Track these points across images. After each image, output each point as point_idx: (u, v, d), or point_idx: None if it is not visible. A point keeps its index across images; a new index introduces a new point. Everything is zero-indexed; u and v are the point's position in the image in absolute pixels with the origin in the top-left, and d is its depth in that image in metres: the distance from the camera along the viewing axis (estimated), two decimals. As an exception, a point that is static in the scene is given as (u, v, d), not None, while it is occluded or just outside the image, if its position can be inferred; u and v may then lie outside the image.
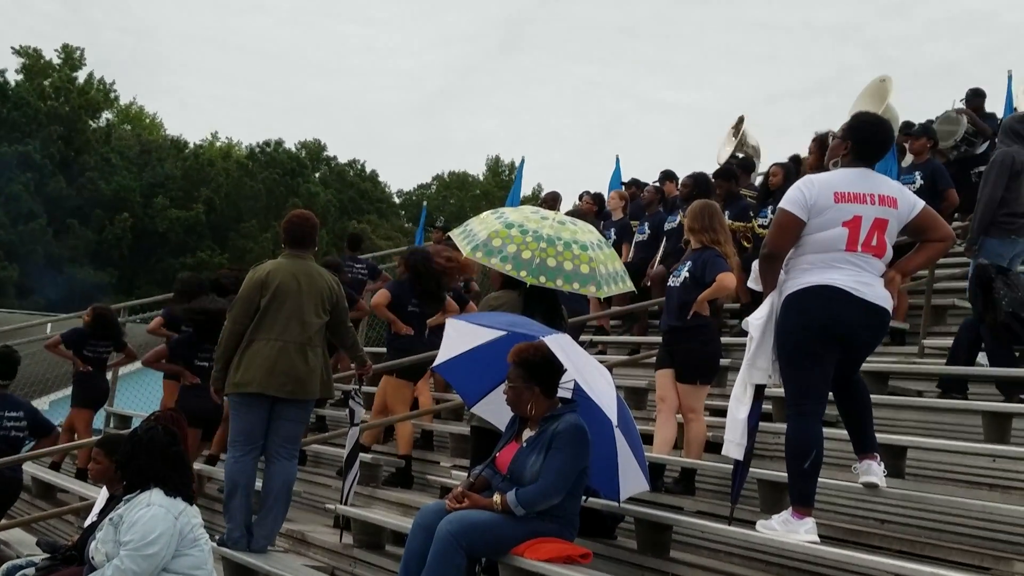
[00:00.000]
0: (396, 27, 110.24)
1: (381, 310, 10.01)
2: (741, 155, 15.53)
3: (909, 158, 11.96)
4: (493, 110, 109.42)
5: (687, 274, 7.62)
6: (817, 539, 5.64)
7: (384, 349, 10.77)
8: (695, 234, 7.72)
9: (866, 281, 5.62)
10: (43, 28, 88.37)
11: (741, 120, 16.41)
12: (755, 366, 5.84)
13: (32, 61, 59.30)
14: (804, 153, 13.03)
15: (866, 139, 5.85)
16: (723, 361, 8.49)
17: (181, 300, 10.93)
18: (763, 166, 14.72)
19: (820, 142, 10.67)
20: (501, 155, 76.90)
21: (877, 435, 6.34)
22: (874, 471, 5.88)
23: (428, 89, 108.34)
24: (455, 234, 7.37)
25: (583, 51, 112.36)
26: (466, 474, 6.72)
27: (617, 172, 17.22)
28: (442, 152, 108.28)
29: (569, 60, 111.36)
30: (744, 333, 6.08)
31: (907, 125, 13.69)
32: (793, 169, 11.85)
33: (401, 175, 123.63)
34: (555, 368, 6.01)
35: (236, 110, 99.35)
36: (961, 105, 13.98)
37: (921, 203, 5.80)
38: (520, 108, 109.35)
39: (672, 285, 7.75)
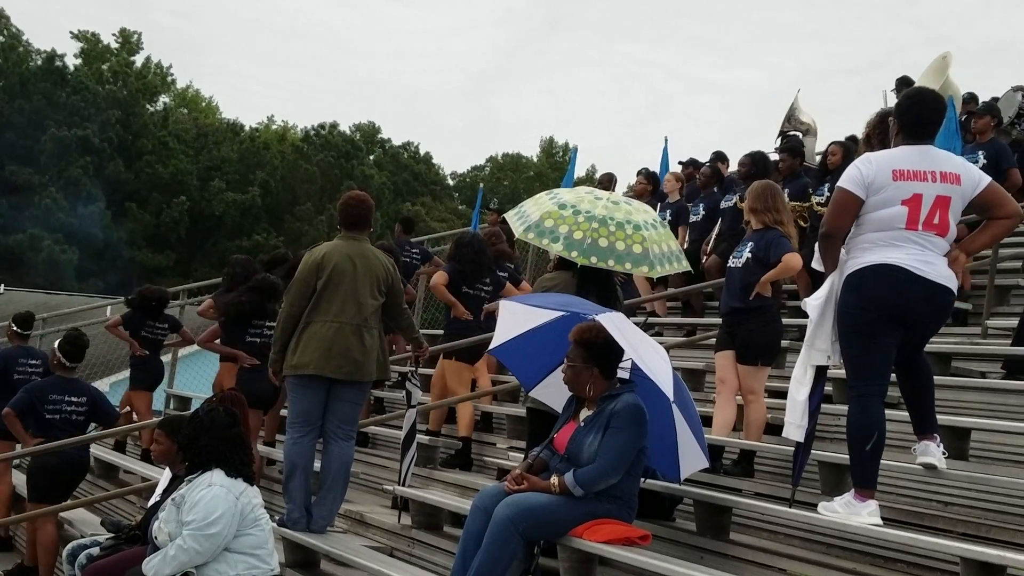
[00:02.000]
0: (442, 7, 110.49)
1: (441, 291, 9.95)
2: (793, 132, 15.33)
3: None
4: (541, 90, 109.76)
5: (749, 255, 7.53)
6: (880, 522, 5.57)
7: (440, 331, 10.77)
8: (757, 214, 7.62)
9: (929, 260, 5.52)
10: (94, 12, 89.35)
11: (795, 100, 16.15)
12: (815, 347, 5.77)
13: (90, 45, 60.09)
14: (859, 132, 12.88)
15: (909, 116, 5.74)
16: (783, 342, 8.40)
17: (232, 286, 10.97)
18: (820, 144, 14.52)
19: (879, 120, 10.51)
20: (555, 136, 76.83)
21: (941, 417, 6.27)
22: (932, 452, 5.80)
23: (475, 70, 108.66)
24: (510, 215, 7.35)
25: (630, 30, 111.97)
26: (523, 456, 6.71)
27: (665, 154, 17.09)
28: (493, 133, 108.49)
29: (615, 39, 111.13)
30: (805, 314, 6.00)
31: (970, 97, 13.53)
32: (852, 148, 11.69)
33: (454, 157, 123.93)
34: (615, 350, 5.97)
35: (290, 93, 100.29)
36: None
37: (987, 179, 5.67)
38: (567, 88, 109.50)
39: (733, 266, 7.66)
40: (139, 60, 61.39)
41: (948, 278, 5.56)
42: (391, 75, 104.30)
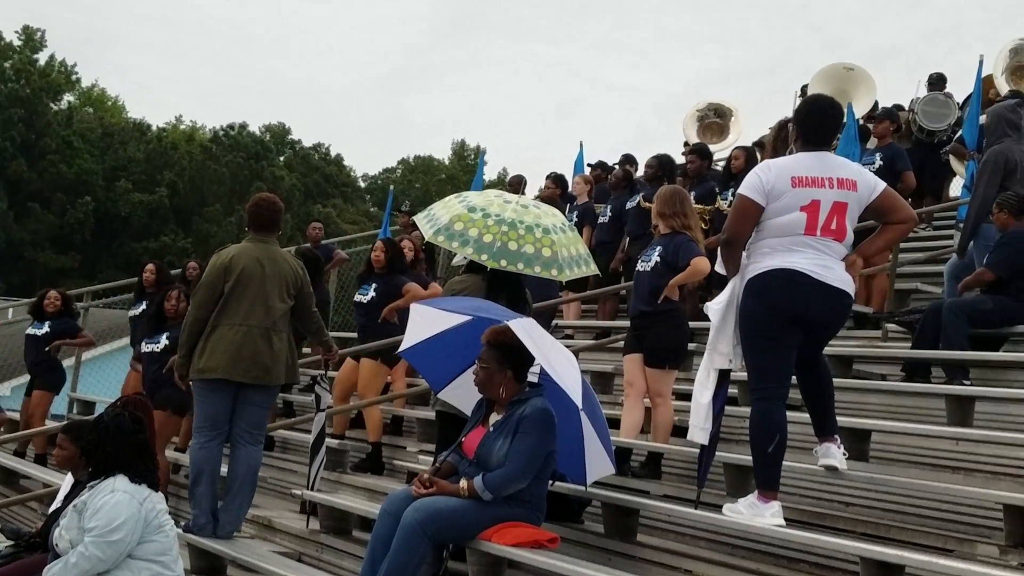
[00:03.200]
0: (349, 5, 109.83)
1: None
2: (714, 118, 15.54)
3: (874, 141, 12.06)
4: (449, 90, 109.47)
5: (658, 259, 7.60)
6: (783, 522, 5.67)
7: (354, 334, 10.72)
8: (665, 219, 7.70)
9: (827, 264, 5.64)
10: None
11: (721, 109, 16.32)
12: (717, 351, 5.87)
13: (-9, 43, 58.60)
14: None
15: (808, 123, 5.87)
16: (691, 346, 8.51)
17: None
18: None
19: (779, 128, 10.72)
20: (467, 139, 76.84)
21: (842, 418, 6.40)
22: (833, 454, 5.92)
23: (384, 70, 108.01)
24: (419, 218, 7.35)
25: (536, 30, 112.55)
26: (432, 459, 6.71)
27: (580, 157, 17.22)
28: (404, 135, 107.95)
29: (522, 40, 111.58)
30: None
31: (938, 78, 13.83)
32: (755, 153, 11.90)
33: (366, 159, 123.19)
34: (528, 354, 6.01)
35: (197, 92, 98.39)
36: (925, 89, 14.13)
37: (882, 185, 5.82)
38: (476, 89, 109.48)
39: (642, 270, 7.73)
40: (43, 58, 60.08)
41: (846, 282, 5.69)
42: (299, 74, 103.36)
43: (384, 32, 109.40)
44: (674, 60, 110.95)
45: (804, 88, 14.70)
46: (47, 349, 11.80)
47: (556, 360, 6.02)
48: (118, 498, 5.54)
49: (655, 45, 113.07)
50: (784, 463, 5.80)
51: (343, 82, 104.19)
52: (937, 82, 14.28)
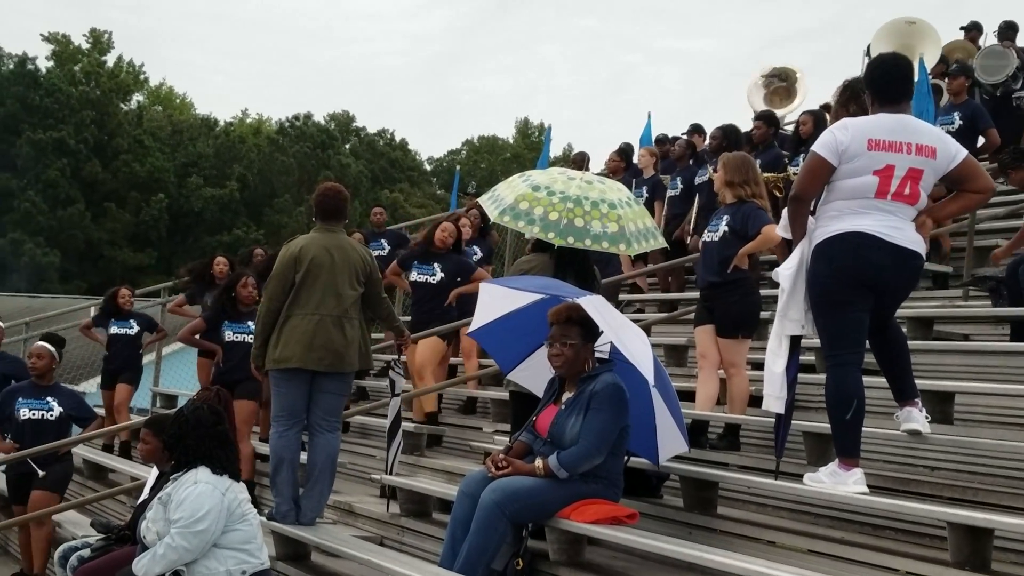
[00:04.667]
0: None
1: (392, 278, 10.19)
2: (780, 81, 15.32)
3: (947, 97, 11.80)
4: (502, 69, 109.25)
5: (726, 228, 7.51)
6: (866, 489, 5.59)
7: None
8: (733, 188, 7.58)
9: (897, 226, 5.52)
10: (59, 14, 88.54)
11: (786, 73, 16.10)
12: (788, 317, 5.77)
13: (61, 47, 59.60)
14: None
15: (876, 83, 5.73)
16: (763, 314, 8.42)
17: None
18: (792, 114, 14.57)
19: (842, 90, 10.52)
20: (530, 117, 76.78)
21: (924, 381, 6.29)
22: (915, 418, 5.81)
23: (434, 51, 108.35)
24: (483, 199, 7.34)
25: (584, 3, 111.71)
26: (507, 439, 6.72)
27: (648, 129, 17.08)
28: (463, 115, 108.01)
29: (571, 14, 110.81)
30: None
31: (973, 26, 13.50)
32: (823, 117, 11.71)
33: (429, 142, 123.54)
34: (598, 328, 5.98)
35: (259, 85, 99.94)
36: (994, 39, 13.80)
37: (963, 154, 5.65)
38: (529, 65, 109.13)
39: (710, 240, 7.64)
40: (111, 59, 61.01)
41: (916, 243, 5.58)
42: (354, 61, 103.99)
43: (432, 13, 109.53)
44: (729, 24, 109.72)
45: (868, 48, 14.44)
46: (140, 348, 12.16)
47: (627, 337, 5.98)
48: (201, 489, 5.64)
49: (708, 11, 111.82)
50: (865, 429, 5.72)
51: (396, 65, 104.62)
52: (1007, 30, 13.93)
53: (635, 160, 14.44)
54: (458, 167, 28.76)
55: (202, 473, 5.71)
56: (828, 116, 11.65)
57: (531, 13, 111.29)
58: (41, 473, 8.99)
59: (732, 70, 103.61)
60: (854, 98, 7.18)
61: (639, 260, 12.21)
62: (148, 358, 14.00)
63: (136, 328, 12.30)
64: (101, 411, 12.24)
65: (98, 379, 20.14)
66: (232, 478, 5.83)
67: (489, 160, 70.92)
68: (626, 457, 6.34)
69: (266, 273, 8.28)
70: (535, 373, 6.55)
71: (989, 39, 14.18)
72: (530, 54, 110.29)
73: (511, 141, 74.70)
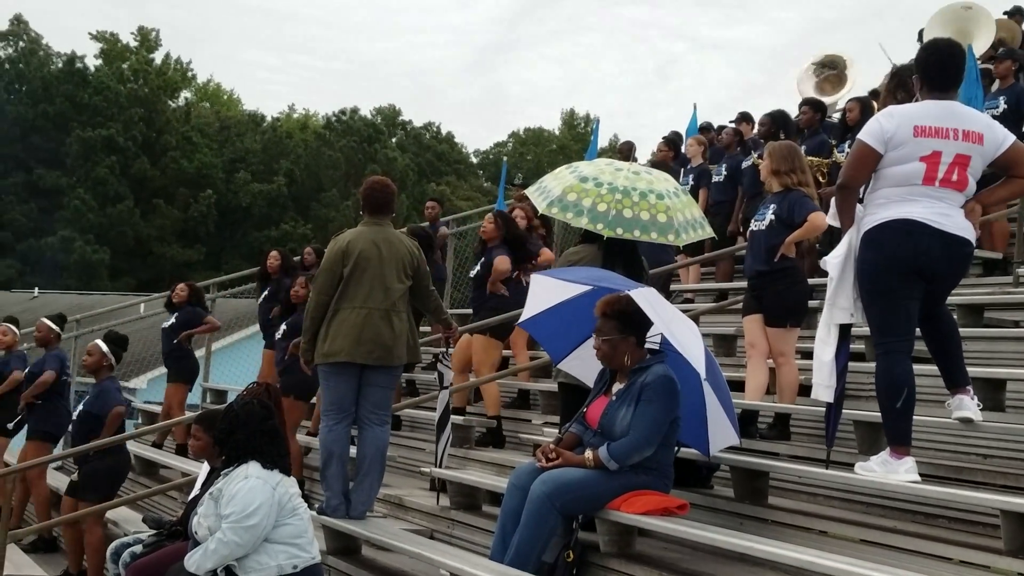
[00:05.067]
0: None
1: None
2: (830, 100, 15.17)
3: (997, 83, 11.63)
4: (546, 60, 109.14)
5: (772, 216, 7.46)
6: (918, 478, 5.55)
7: (470, 310, 10.78)
8: (779, 176, 7.52)
9: (945, 212, 5.48)
10: (107, 10, 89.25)
11: (836, 61, 15.93)
12: (836, 305, 5.74)
13: (110, 45, 60.28)
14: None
15: (928, 69, 5.67)
16: (811, 303, 8.35)
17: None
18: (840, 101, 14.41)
19: (892, 77, 10.40)
20: (576, 108, 76.67)
21: (975, 368, 6.22)
22: (967, 405, 5.75)
23: (479, 43, 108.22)
24: (531, 191, 7.34)
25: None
26: (557, 431, 6.72)
27: (694, 119, 17.01)
28: (507, 107, 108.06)
29: (614, 3, 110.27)
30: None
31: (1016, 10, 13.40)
32: (870, 103, 11.59)
33: (475, 134, 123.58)
34: (646, 319, 5.96)
35: (304, 80, 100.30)
36: None
37: (1011, 139, 5.60)
38: (574, 56, 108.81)
39: (756, 229, 7.59)
40: (158, 57, 61.58)
41: (966, 229, 5.53)
42: (398, 54, 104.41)
43: (476, 4, 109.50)
44: (775, 11, 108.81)
45: (921, 32, 14.27)
46: (175, 341, 12.16)
47: (678, 329, 5.96)
48: (252, 484, 5.67)
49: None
50: (916, 417, 5.67)
51: (439, 58, 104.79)
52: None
53: (683, 149, 14.39)
54: (505, 159, 28.75)
55: (253, 468, 5.75)
56: (876, 103, 11.54)
57: (575, 2, 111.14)
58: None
59: (779, 57, 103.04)
60: (902, 85, 7.11)
61: (693, 249, 12.14)
62: (198, 353, 14.08)
63: (172, 321, 12.28)
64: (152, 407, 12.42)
65: (150, 375, 20.47)
66: (283, 472, 5.86)
67: (535, 152, 70.91)
68: (677, 448, 6.33)
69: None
70: (585, 364, 6.55)
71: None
72: (575, 44, 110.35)
73: (557, 133, 74.64)
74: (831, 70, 15.70)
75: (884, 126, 5.54)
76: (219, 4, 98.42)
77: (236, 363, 17.42)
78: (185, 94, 64.69)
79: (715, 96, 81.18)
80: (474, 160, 74.11)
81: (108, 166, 52.64)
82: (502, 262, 9.70)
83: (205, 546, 5.69)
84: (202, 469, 7.30)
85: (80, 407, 9.43)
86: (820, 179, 10.47)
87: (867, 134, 5.59)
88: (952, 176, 5.47)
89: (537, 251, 10.63)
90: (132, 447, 10.94)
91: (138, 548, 6.94)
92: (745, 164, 11.99)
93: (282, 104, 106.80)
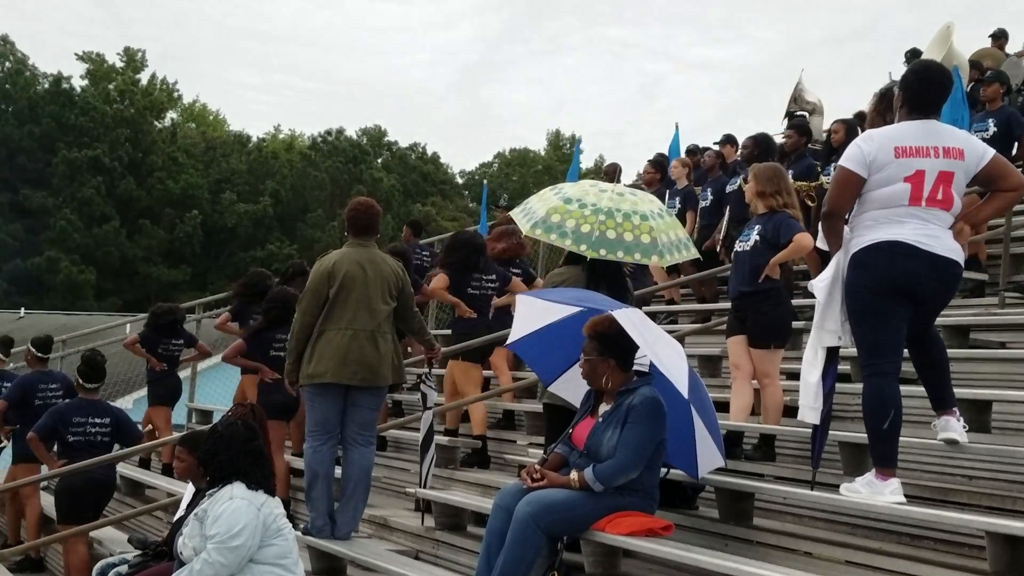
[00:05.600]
0: (421, 1, 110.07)
1: (441, 293, 10.03)
2: (800, 112, 15.31)
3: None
4: (531, 81, 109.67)
5: (757, 237, 7.47)
6: (903, 500, 5.54)
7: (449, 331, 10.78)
8: (764, 198, 7.54)
9: (933, 234, 5.49)
10: (94, 31, 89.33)
11: (799, 83, 16.17)
12: (824, 328, 5.74)
13: (96, 66, 60.23)
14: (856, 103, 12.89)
15: (916, 91, 5.70)
16: (796, 324, 8.36)
17: (246, 298, 11.22)
18: (826, 123, 14.51)
19: (880, 98, 10.47)
20: (561, 129, 76.87)
21: (961, 390, 6.23)
22: (953, 427, 5.77)
23: (463, 63, 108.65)
24: (515, 213, 7.36)
25: (609, 13, 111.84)
26: (542, 451, 6.71)
27: (676, 139, 17.08)
28: (497, 129, 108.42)
29: (597, 23, 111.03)
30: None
31: (1000, 33, 13.58)
32: (855, 125, 11.66)
33: (461, 155, 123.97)
34: (630, 341, 5.96)
35: (288, 100, 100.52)
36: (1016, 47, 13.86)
37: (991, 152, 5.64)
38: (558, 76, 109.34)
39: (741, 250, 7.61)
40: (144, 77, 61.58)
41: (954, 251, 5.54)
42: (381, 74, 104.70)
43: (458, 24, 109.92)
44: (757, 31, 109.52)
45: (909, 53, 14.38)
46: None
47: (663, 351, 5.96)
48: (236, 505, 5.66)
49: (736, 19, 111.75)
50: (902, 439, 5.67)
51: (426, 77, 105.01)
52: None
53: (669, 171, 14.43)
54: (485, 182, 28.80)
55: (237, 489, 5.73)
56: (859, 127, 11.62)
57: (557, 23, 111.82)
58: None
59: (762, 78, 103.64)
60: (891, 107, 7.14)
61: (671, 271, 12.18)
62: (183, 374, 14.07)
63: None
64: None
65: (135, 395, 20.35)
66: (267, 493, 5.85)
67: (521, 172, 71.08)
68: (665, 470, 6.33)
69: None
70: (574, 385, 6.54)
71: (1016, 46, 14.21)
72: (558, 64, 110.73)
73: (543, 153, 74.77)
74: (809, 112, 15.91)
75: (864, 150, 5.57)
76: (203, 24, 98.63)
77: (222, 383, 17.36)
78: (171, 115, 64.65)
79: (700, 116, 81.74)
80: (460, 180, 74.21)
81: (94, 186, 52.56)
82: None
83: (190, 567, 5.67)
84: (187, 490, 7.27)
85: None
86: (809, 202, 10.54)
87: (848, 159, 5.62)
88: (938, 194, 5.49)
89: (530, 279, 10.66)
90: (120, 468, 10.90)
91: (124, 568, 6.91)
92: (730, 188, 12.01)
93: (266, 124, 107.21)
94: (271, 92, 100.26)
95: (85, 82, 59.04)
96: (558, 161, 68.07)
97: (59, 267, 50.10)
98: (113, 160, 53.97)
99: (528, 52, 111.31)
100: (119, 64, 60.87)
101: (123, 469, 11.31)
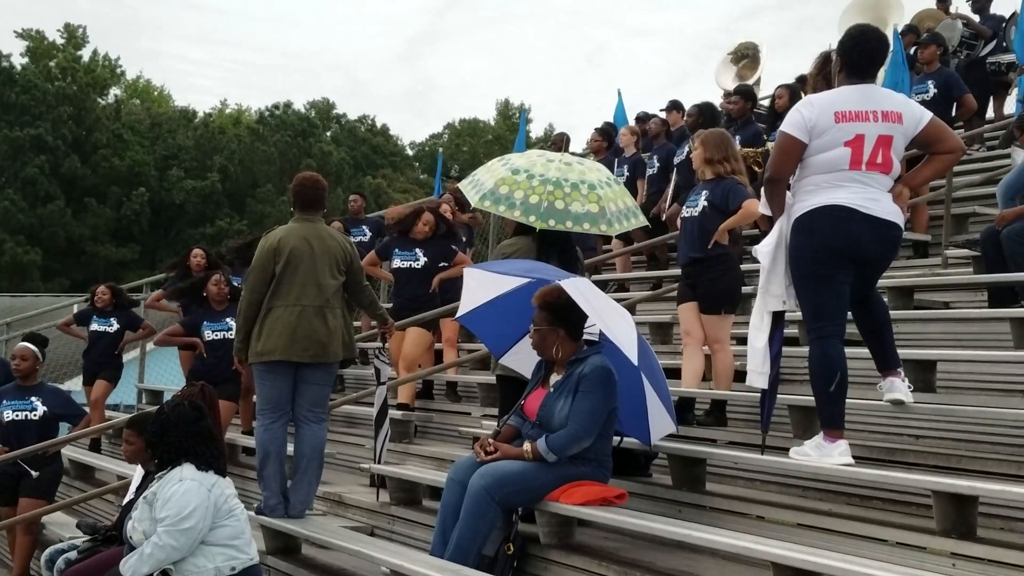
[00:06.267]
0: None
1: (370, 269, 10.16)
2: (751, 82, 15.37)
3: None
4: (478, 49, 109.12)
5: (705, 203, 7.49)
6: (852, 460, 5.62)
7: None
8: (712, 164, 7.55)
9: (873, 197, 5.55)
10: (31, 7, 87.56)
11: (753, 47, 16.18)
12: (769, 293, 5.80)
13: (36, 43, 59.20)
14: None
15: (854, 55, 5.73)
16: (746, 289, 8.41)
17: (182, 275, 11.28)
18: (767, 89, 14.61)
19: (823, 62, 10.50)
20: (510, 98, 76.63)
21: (906, 350, 6.31)
22: (898, 387, 5.84)
23: (408, 32, 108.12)
24: (463, 184, 7.32)
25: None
26: (496, 424, 6.71)
27: (620, 106, 17.06)
28: (445, 98, 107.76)
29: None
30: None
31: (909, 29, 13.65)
32: (799, 90, 11.71)
33: (410, 126, 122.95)
34: (580, 311, 5.97)
35: (232, 73, 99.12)
36: (967, 8, 13.96)
37: (928, 115, 5.69)
38: (504, 45, 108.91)
39: (688, 215, 7.63)
40: (86, 54, 60.62)
41: (894, 213, 5.61)
42: (326, 46, 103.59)
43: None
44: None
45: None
46: (119, 346, 12.13)
47: (611, 319, 5.98)
48: (186, 486, 5.62)
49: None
50: (848, 400, 5.74)
51: (373, 48, 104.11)
52: None
53: (617, 140, 14.41)
54: (440, 151, 28.65)
55: (187, 470, 5.68)
56: (802, 90, 11.67)
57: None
58: (34, 474, 8.96)
59: (705, 43, 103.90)
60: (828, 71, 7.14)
61: (620, 239, 12.20)
62: (132, 354, 13.95)
63: (116, 326, 12.23)
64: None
65: (82, 377, 20.10)
66: (218, 473, 5.81)
67: (471, 143, 70.77)
68: (619, 439, 6.35)
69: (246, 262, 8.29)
70: (525, 356, 6.54)
71: (962, 7, 14.29)
72: (504, 33, 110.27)
73: (492, 123, 74.53)
74: (746, 57, 16.01)
75: (805, 115, 5.61)
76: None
77: (171, 363, 17.18)
78: (115, 91, 63.68)
79: (646, 83, 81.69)
80: (410, 152, 73.80)
81: (38, 165, 51.69)
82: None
83: (140, 550, 5.62)
84: (136, 472, 7.21)
85: (44, 409, 9.31)
86: (756, 169, 10.55)
87: (789, 125, 5.66)
88: (877, 158, 5.54)
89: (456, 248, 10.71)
90: (68, 451, 10.79)
91: (73, 554, 6.85)
92: (679, 157, 12.00)
93: (211, 99, 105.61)
94: (213, 66, 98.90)
95: (25, 60, 58.04)
96: (508, 131, 67.85)
97: (3, 248, 49.30)
98: (56, 138, 53.07)
99: (474, 21, 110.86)
100: (59, 41, 59.89)
101: (72, 452, 11.20)
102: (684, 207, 7.78)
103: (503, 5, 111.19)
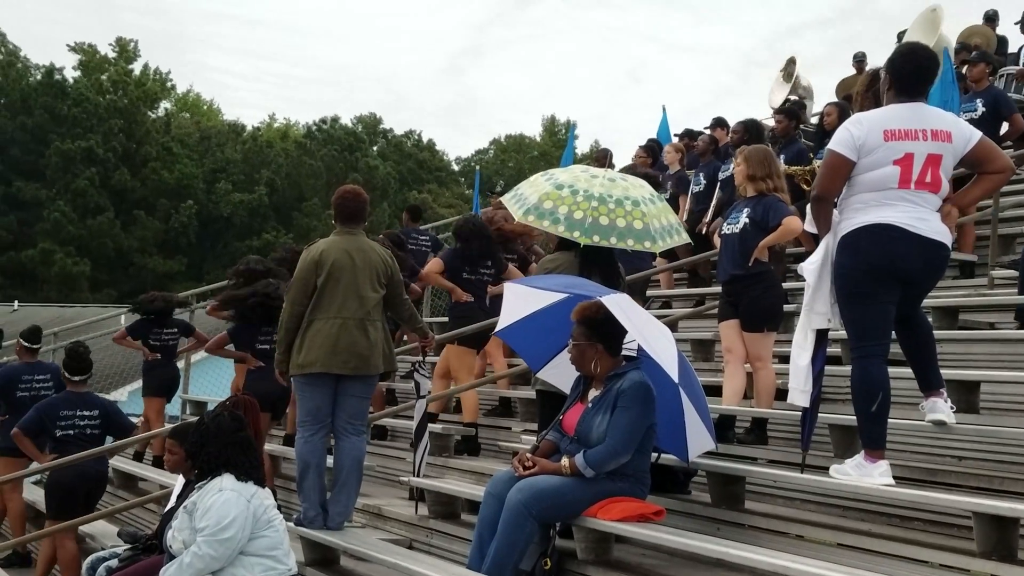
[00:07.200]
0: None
1: (435, 278, 10.21)
2: (794, 97, 15.31)
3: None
4: (522, 65, 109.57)
5: (747, 220, 7.47)
6: (892, 481, 5.56)
7: (446, 319, 10.81)
8: (755, 181, 7.54)
9: (922, 216, 5.50)
10: (85, 22, 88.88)
11: (792, 61, 16.19)
12: (814, 311, 5.76)
13: (88, 57, 60.04)
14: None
15: (904, 73, 5.70)
16: (788, 307, 8.35)
17: (238, 287, 11.16)
18: (817, 106, 14.53)
19: (871, 80, 10.45)
20: (556, 114, 76.74)
21: (949, 371, 6.25)
22: (940, 408, 5.77)
23: (451, 48, 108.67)
24: (506, 199, 7.33)
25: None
26: (535, 438, 6.71)
27: (664, 123, 17.04)
28: (491, 114, 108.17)
29: (585, 6, 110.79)
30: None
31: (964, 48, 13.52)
32: (847, 108, 11.64)
33: (456, 141, 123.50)
34: (619, 327, 5.96)
35: (284, 90, 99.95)
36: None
37: (978, 135, 5.64)
38: (547, 61, 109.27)
39: (730, 232, 7.60)
40: (137, 68, 61.40)
41: (942, 233, 5.55)
42: (368, 60, 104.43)
43: (441, 11, 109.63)
44: (742, 14, 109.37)
45: (901, 35, 14.36)
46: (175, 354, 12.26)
47: (651, 335, 5.96)
48: (226, 496, 5.66)
49: (721, 1, 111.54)
50: (890, 420, 5.69)
51: (411, 63, 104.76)
52: (986, 21, 14.00)
53: (661, 156, 14.41)
54: (478, 168, 28.72)
55: (227, 480, 5.73)
56: (851, 109, 11.60)
57: (544, 7, 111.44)
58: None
59: (749, 60, 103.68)
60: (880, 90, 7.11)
61: (664, 256, 12.16)
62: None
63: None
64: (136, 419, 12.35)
65: (130, 387, 20.35)
66: (257, 484, 5.84)
67: (516, 158, 70.91)
68: (656, 455, 6.33)
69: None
70: (563, 371, 6.55)
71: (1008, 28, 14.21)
72: (545, 49, 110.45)
73: (538, 139, 74.64)
74: (792, 75, 16.01)
75: (854, 133, 5.58)
76: (196, 14, 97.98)
77: (216, 374, 17.35)
78: (165, 104, 64.47)
79: (687, 99, 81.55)
80: (455, 167, 74.08)
81: (88, 178, 52.39)
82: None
83: (180, 559, 5.66)
84: (178, 482, 7.27)
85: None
86: (804, 186, 10.50)
87: (838, 143, 5.62)
88: (926, 177, 5.50)
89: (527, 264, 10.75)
90: (112, 460, 10.89)
91: (114, 563, 6.90)
92: (724, 174, 11.96)
93: (259, 113, 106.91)
94: (260, 80, 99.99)
95: (77, 73, 58.84)
96: (553, 147, 67.94)
97: (53, 259, 49.95)
98: (107, 151, 53.75)
99: (515, 37, 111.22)
100: (111, 55, 60.69)
101: (116, 462, 11.30)
102: (725, 223, 7.76)
103: (543, 21, 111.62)
